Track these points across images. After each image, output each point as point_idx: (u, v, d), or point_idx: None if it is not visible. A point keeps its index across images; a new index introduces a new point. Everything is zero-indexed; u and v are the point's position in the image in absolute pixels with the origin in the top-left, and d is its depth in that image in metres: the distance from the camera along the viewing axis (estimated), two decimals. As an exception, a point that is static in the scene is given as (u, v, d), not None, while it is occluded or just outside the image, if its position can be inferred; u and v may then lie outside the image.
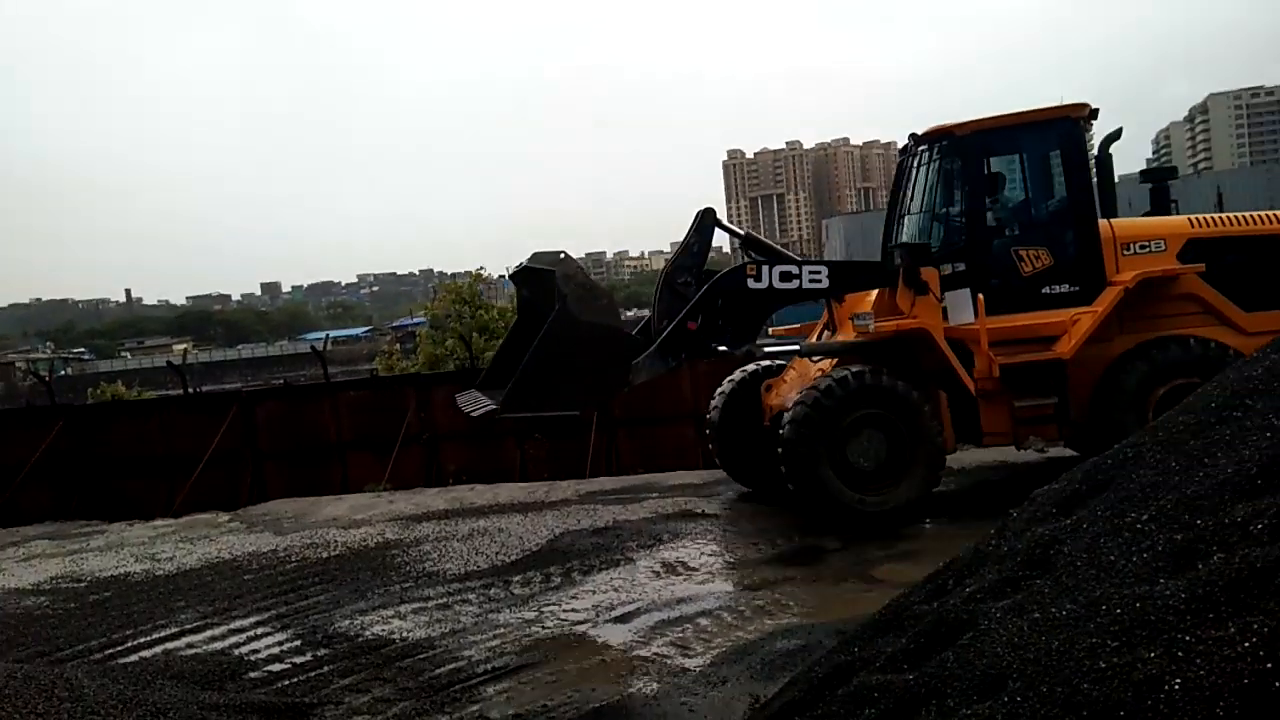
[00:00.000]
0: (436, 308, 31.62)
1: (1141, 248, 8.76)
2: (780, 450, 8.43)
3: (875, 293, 9.17)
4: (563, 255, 8.60)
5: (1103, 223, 8.82)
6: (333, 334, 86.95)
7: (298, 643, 6.64)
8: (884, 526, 8.21)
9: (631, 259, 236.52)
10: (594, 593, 7.23)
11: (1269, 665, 1.88)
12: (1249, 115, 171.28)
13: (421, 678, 5.77)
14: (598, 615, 6.70)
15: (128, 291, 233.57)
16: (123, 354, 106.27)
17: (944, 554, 4.14)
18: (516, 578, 7.78)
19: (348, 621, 7.00)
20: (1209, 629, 2.14)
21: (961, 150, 8.93)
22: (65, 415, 16.80)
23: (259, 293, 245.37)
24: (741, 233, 9.85)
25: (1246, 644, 1.98)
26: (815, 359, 9.28)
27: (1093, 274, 8.70)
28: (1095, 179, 9.10)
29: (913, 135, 9.47)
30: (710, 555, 8.03)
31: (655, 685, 5.34)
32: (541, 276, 8.52)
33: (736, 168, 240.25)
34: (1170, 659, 2.11)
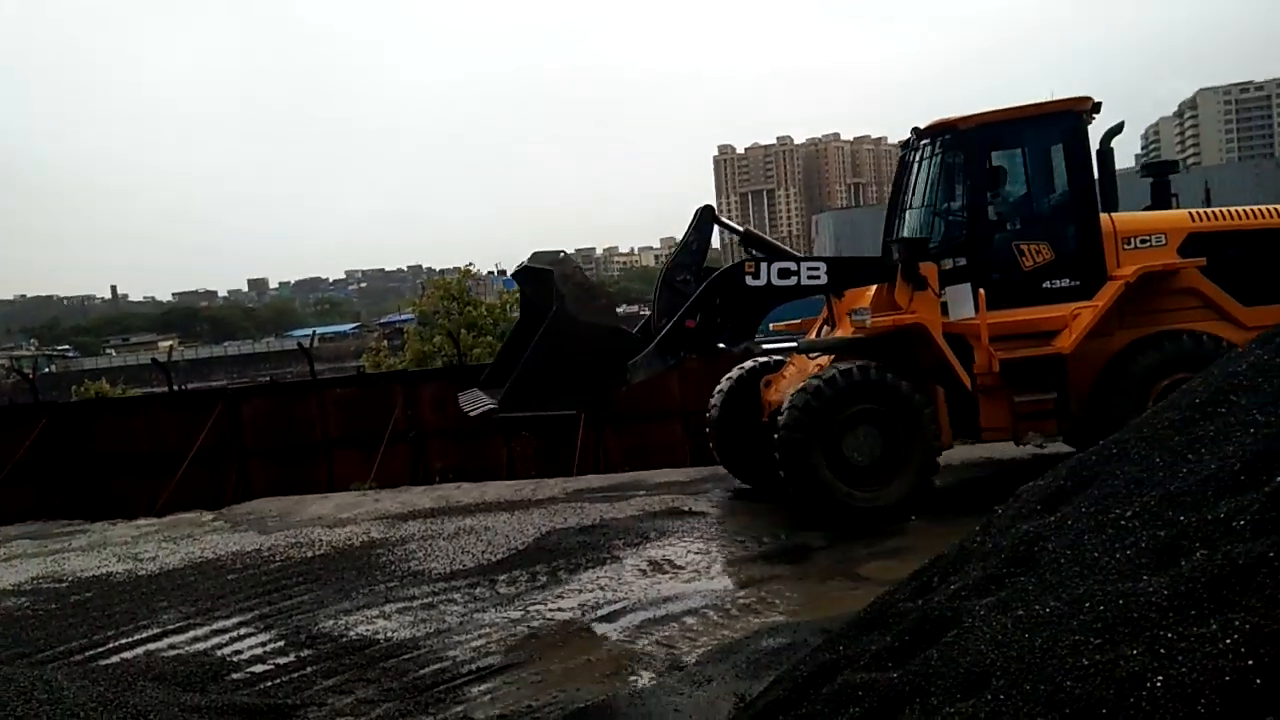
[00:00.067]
0: (425, 304, 31.53)
1: (1142, 242, 8.77)
2: (776, 444, 8.44)
3: (874, 288, 9.17)
4: (561, 255, 8.63)
5: (1103, 217, 8.82)
6: (320, 330, 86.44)
7: (281, 643, 6.59)
8: (874, 522, 8.21)
9: (621, 255, 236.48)
10: (580, 591, 7.20)
11: (1250, 662, 1.87)
12: (1238, 111, 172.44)
13: (406, 678, 5.73)
14: (584, 614, 6.67)
15: (113, 288, 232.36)
16: (108, 351, 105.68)
17: (930, 551, 4.13)
18: (502, 577, 7.74)
19: (332, 622, 6.95)
20: (1191, 626, 2.13)
21: (964, 144, 8.93)
22: (49, 413, 16.68)
23: (246, 289, 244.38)
24: (741, 229, 9.85)
25: (1228, 641, 1.97)
26: (814, 355, 9.26)
27: (1093, 268, 8.70)
28: (1096, 173, 9.09)
29: (915, 129, 9.47)
30: (697, 553, 8.01)
31: (641, 684, 5.32)
32: (542, 276, 8.55)
33: (727, 163, 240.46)
34: (1153, 656, 2.10)
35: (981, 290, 8.55)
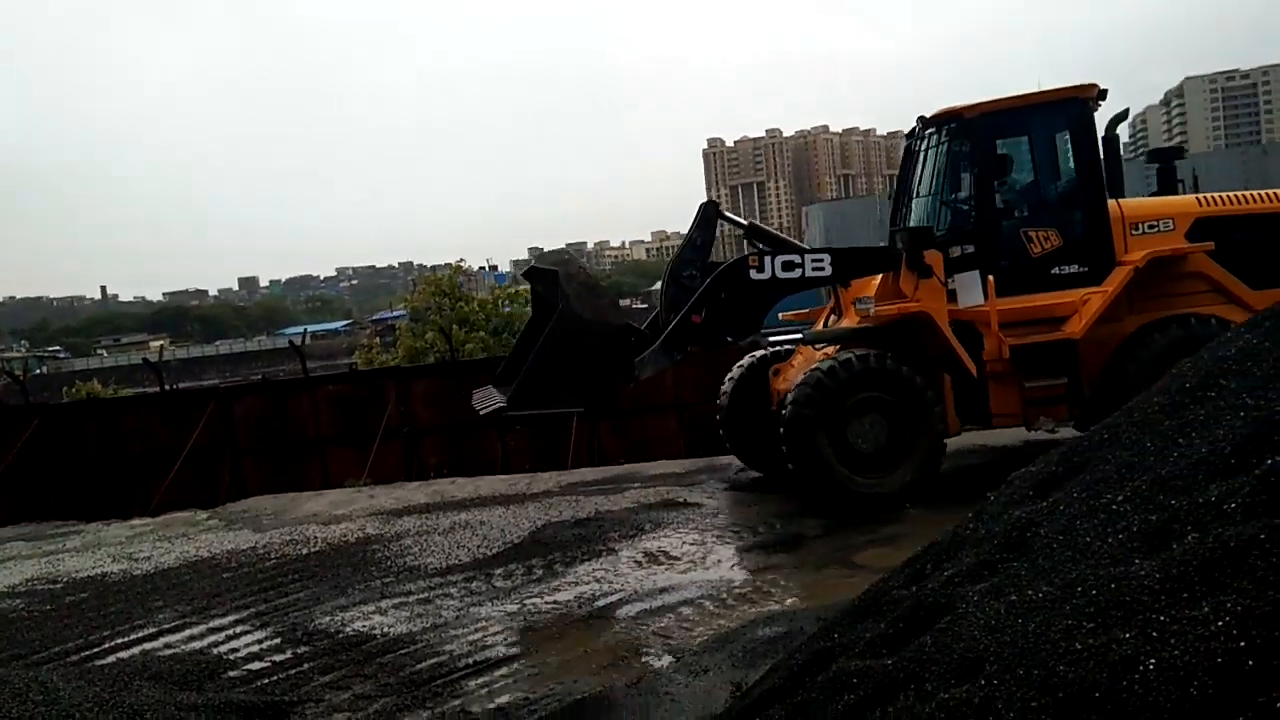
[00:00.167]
0: (416, 300, 31.51)
1: (1150, 227, 8.80)
2: (782, 430, 8.46)
3: (880, 277, 9.20)
4: (566, 255, 8.75)
5: (1111, 203, 8.85)
6: (311, 328, 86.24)
7: (277, 641, 6.58)
8: (874, 509, 8.27)
9: (612, 249, 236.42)
10: (576, 584, 7.21)
11: (1242, 644, 1.88)
12: (1224, 99, 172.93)
13: (402, 673, 5.73)
14: (580, 606, 6.68)
15: (103, 288, 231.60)
16: (98, 352, 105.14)
17: (924, 538, 4.14)
18: (498, 570, 7.75)
19: (328, 618, 6.95)
20: (1183, 609, 2.14)
21: (970, 132, 8.94)
22: (40, 414, 16.62)
23: (236, 288, 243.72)
24: (745, 223, 9.89)
25: (1220, 623, 1.98)
26: (820, 346, 9.26)
27: (1102, 254, 8.73)
28: (1103, 159, 9.11)
29: (921, 118, 9.48)
30: (693, 544, 8.02)
31: (637, 675, 5.33)
32: (550, 275, 8.71)
33: (717, 156, 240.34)
34: (1145, 639, 2.11)
35: (990, 277, 8.56)
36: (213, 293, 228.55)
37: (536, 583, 7.35)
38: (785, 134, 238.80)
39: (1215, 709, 1.81)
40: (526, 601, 6.90)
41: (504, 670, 5.66)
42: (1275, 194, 9.14)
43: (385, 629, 6.58)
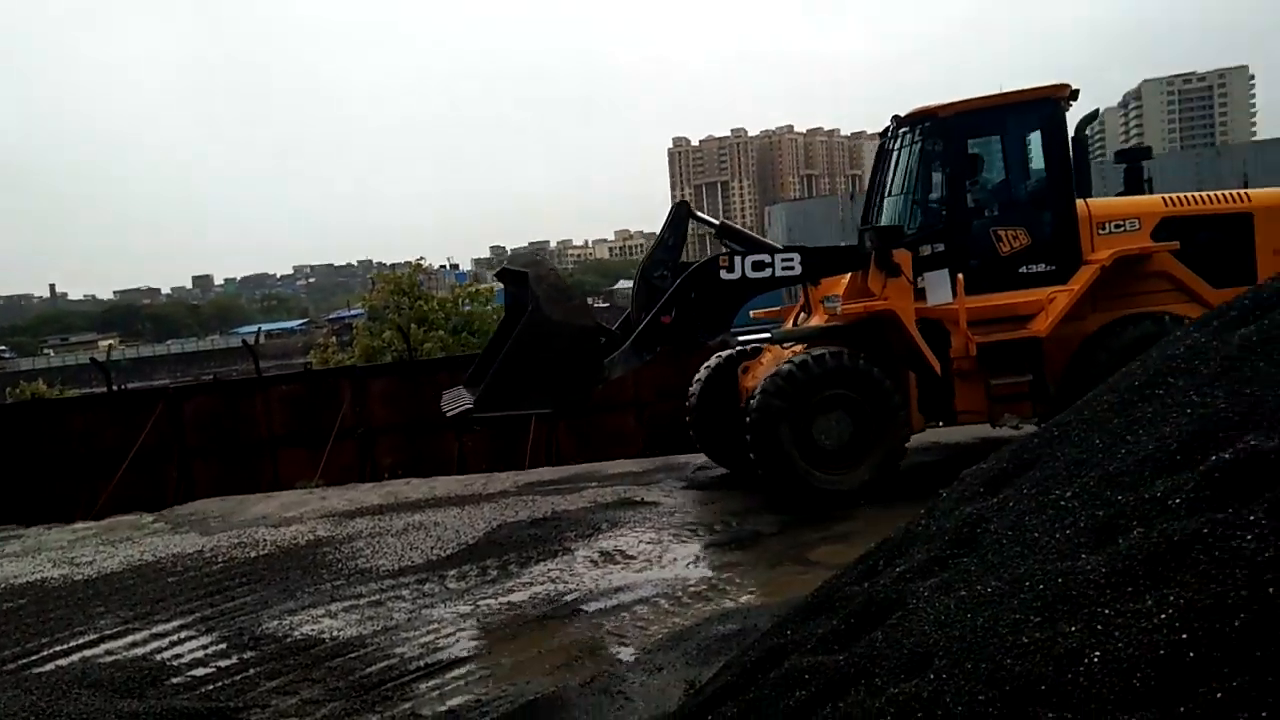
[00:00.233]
0: (375, 299, 31.08)
1: (1116, 227, 8.92)
2: (748, 419, 8.49)
3: (849, 276, 9.25)
4: (538, 256, 8.76)
5: (1079, 202, 8.95)
6: (266, 327, 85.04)
7: (223, 645, 6.42)
8: (832, 505, 8.33)
9: (575, 248, 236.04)
10: (531, 584, 7.14)
11: (1184, 636, 1.89)
12: (1180, 101, 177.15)
13: (352, 677, 5.62)
14: (534, 607, 6.61)
15: (51, 286, 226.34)
16: (46, 351, 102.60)
17: (878, 535, 4.15)
18: (452, 572, 7.65)
19: (276, 622, 6.80)
20: (1128, 602, 2.15)
21: (944, 131, 8.99)
22: (-20, 416, 16.12)
23: (190, 286, 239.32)
24: (716, 223, 9.91)
25: (1163, 616, 1.99)
26: (787, 345, 9.30)
27: (1069, 253, 8.83)
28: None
29: (895, 117, 9.55)
30: (649, 543, 7.99)
31: (591, 675, 5.27)
32: (521, 277, 8.72)
33: (681, 155, 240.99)
34: (1090, 632, 2.12)
35: (960, 275, 8.64)
36: (165, 291, 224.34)
37: (491, 583, 7.26)
38: (750, 133, 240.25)
39: (1158, 700, 1.81)
40: (480, 603, 6.82)
41: (456, 672, 5.58)
42: (1238, 194, 9.32)
43: (335, 632, 6.45)
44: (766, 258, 9.01)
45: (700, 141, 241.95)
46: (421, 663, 5.74)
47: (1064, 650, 2.11)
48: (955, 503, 3.65)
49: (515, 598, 6.86)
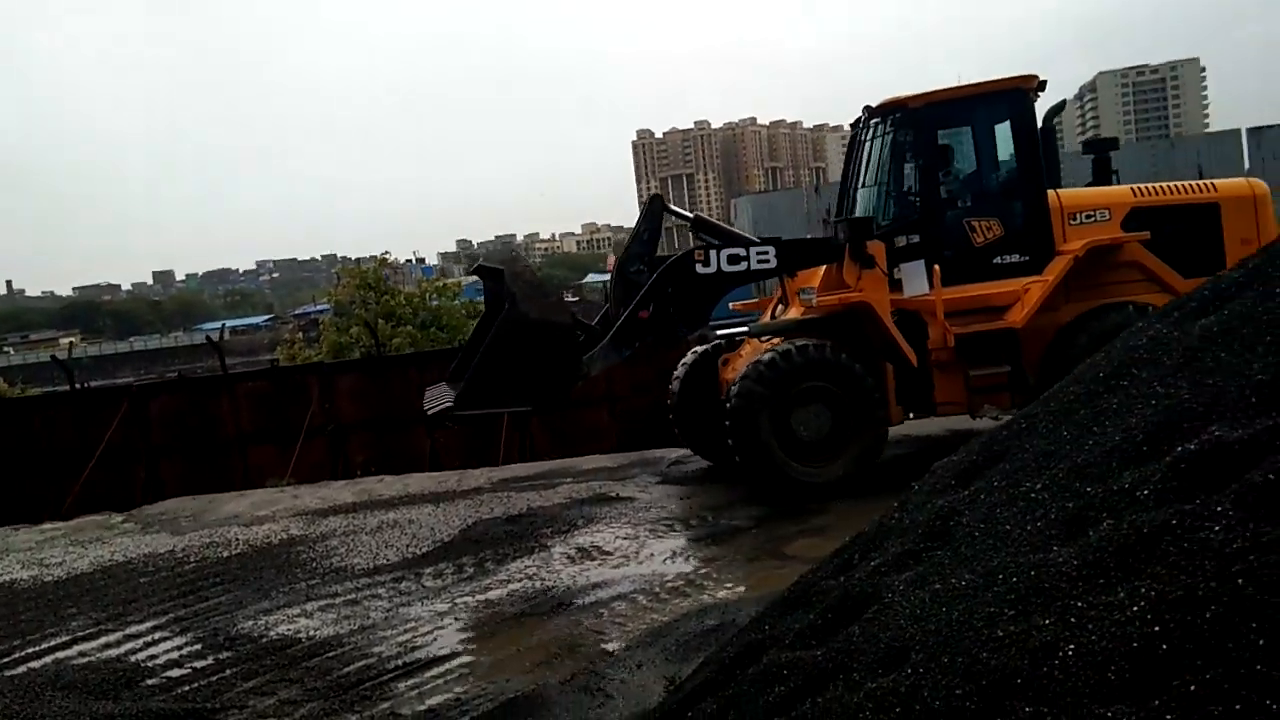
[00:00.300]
0: (340, 294, 30.73)
1: (1087, 217, 9.03)
2: (728, 405, 8.52)
3: (824, 268, 9.29)
4: (514, 254, 8.74)
5: (1050, 193, 9.05)
6: (230, 323, 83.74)
7: (198, 646, 6.37)
8: (809, 497, 8.38)
9: (543, 241, 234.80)
10: (508, 582, 7.14)
11: (1156, 628, 1.92)
12: (1134, 93, 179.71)
13: (329, 677, 5.60)
14: (512, 604, 6.62)
15: (9, 283, 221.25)
16: (5, 350, 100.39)
17: (853, 528, 4.20)
18: (428, 570, 7.63)
19: (251, 622, 6.75)
20: (1100, 594, 2.18)
21: (915, 122, 9.04)
22: (-61, 416, 15.79)
23: (151, 282, 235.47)
24: (691, 216, 9.93)
25: (1135, 608, 2.02)
26: (765, 338, 9.32)
27: (1042, 243, 8.93)
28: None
29: (866, 108, 9.59)
30: (625, 539, 8.01)
31: (570, 672, 5.30)
32: (498, 274, 8.70)
33: (646, 148, 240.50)
34: (1064, 625, 2.15)
35: (937, 266, 8.70)
36: (126, 287, 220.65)
37: (467, 581, 7.26)
38: (714, 126, 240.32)
39: (1132, 693, 1.85)
40: (457, 600, 6.81)
41: (434, 671, 5.58)
42: (1204, 184, 9.46)
43: (311, 632, 6.42)
44: (742, 251, 9.04)
45: (664, 134, 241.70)
46: (400, 662, 5.73)
47: (1038, 644, 2.14)
48: (927, 496, 3.69)
49: (493, 595, 6.86)
